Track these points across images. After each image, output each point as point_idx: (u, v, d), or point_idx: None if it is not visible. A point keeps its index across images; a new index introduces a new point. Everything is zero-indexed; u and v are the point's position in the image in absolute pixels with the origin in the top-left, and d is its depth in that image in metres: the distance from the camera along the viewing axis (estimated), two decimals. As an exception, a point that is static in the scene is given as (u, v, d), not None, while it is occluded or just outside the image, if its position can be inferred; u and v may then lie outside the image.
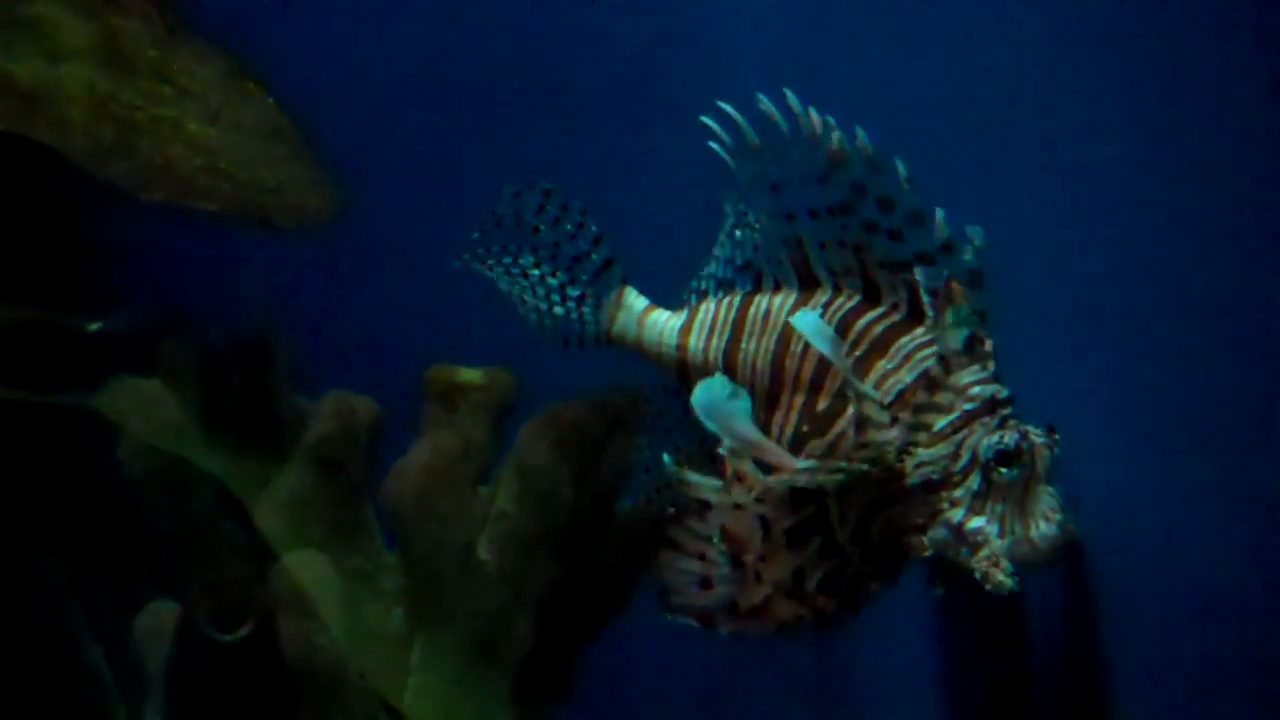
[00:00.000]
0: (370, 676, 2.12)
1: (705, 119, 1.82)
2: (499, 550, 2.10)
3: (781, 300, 1.89)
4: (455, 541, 2.08)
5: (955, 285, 1.68)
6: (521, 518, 2.09)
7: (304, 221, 2.28)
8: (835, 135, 1.76)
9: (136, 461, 2.09)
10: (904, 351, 1.73)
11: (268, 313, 2.28)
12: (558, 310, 2.05)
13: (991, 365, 1.74)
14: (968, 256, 1.69)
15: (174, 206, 2.11)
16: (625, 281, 2.02)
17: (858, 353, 1.78)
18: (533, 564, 2.11)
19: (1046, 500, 1.63)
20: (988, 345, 1.72)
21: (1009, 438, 1.64)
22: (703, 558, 1.76)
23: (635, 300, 2.03)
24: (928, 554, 1.73)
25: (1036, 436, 1.66)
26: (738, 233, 1.97)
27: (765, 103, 1.79)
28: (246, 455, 2.20)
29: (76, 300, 2.18)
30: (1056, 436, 1.68)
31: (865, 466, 1.69)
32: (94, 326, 2.07)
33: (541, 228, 2.02)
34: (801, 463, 1.71)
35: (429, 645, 2.14)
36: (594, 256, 2.02)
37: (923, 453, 1.67)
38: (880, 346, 1.77)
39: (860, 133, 1.74)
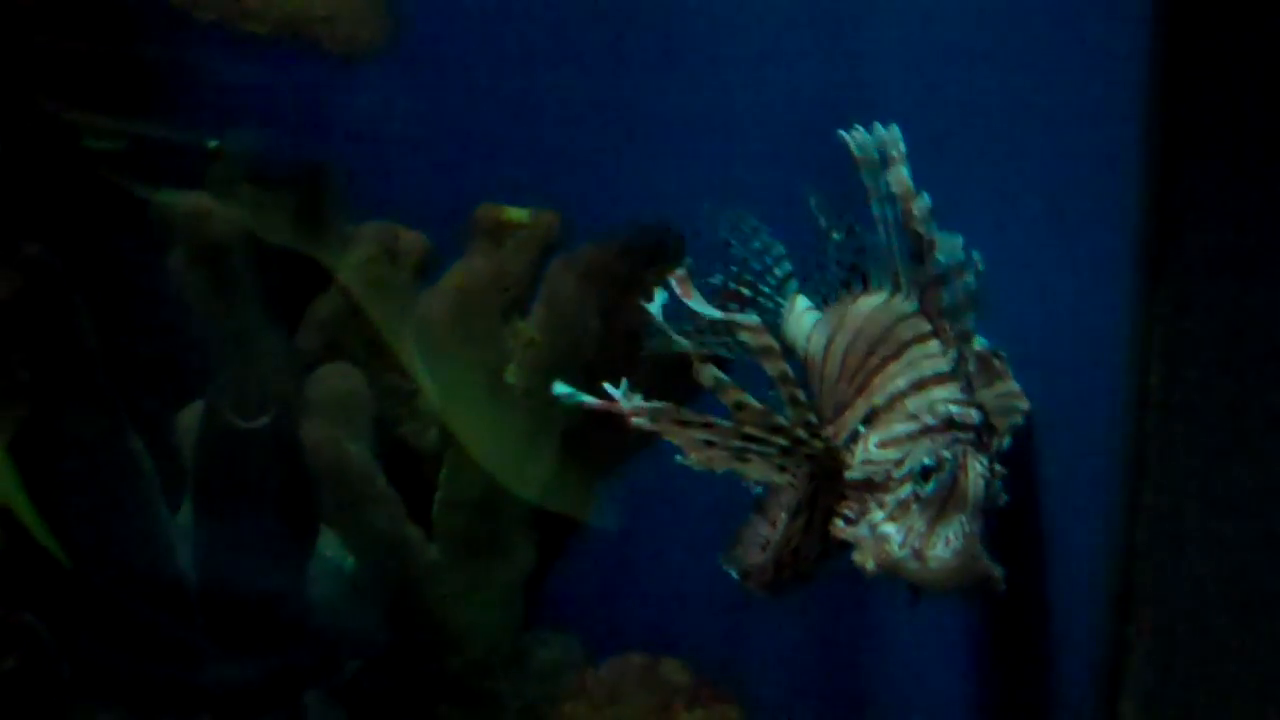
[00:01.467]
0: (399, 489, 2.19)
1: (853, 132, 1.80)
2: (526, 376, 2.15)
3: (864, 300, 1.94)
4: (484, 364, 2.14)
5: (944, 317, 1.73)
6: (548, 345, 2.15)
7: (355, 51, 2.33)
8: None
9: (184, 271, 2.15)
10: (911, 359, 1.76)
11: (321, 143, 2.33)
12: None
13: (991, 384, 1.78)
14: (968, 278, 1.72)
15: (226, 28, 2.17)
16: (799, 291, 2.07)
17: (884, 352, 1.81)
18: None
19: (956, 527, 1.59)
20: (971, 365, 1.71)
21: (940, 455, 1.62)
22: (773, 524, 1.81)
23: (800, 305, 2.05)
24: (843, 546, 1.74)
25: (976, 465, 1.61)
26: (835, 235, 2.00)
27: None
28: (292, 274, 2.27)
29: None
30: (1000, 471, 1.66)
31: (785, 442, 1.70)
32: (213, 144, 2.11)
33: (733, 243, 2.09)
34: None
35: (458, 462, 2.20)
36: (777, 271, 2.07)
37: (874, 451, 1.69)
38: (899, 351, 1.81)
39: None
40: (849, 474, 1.69)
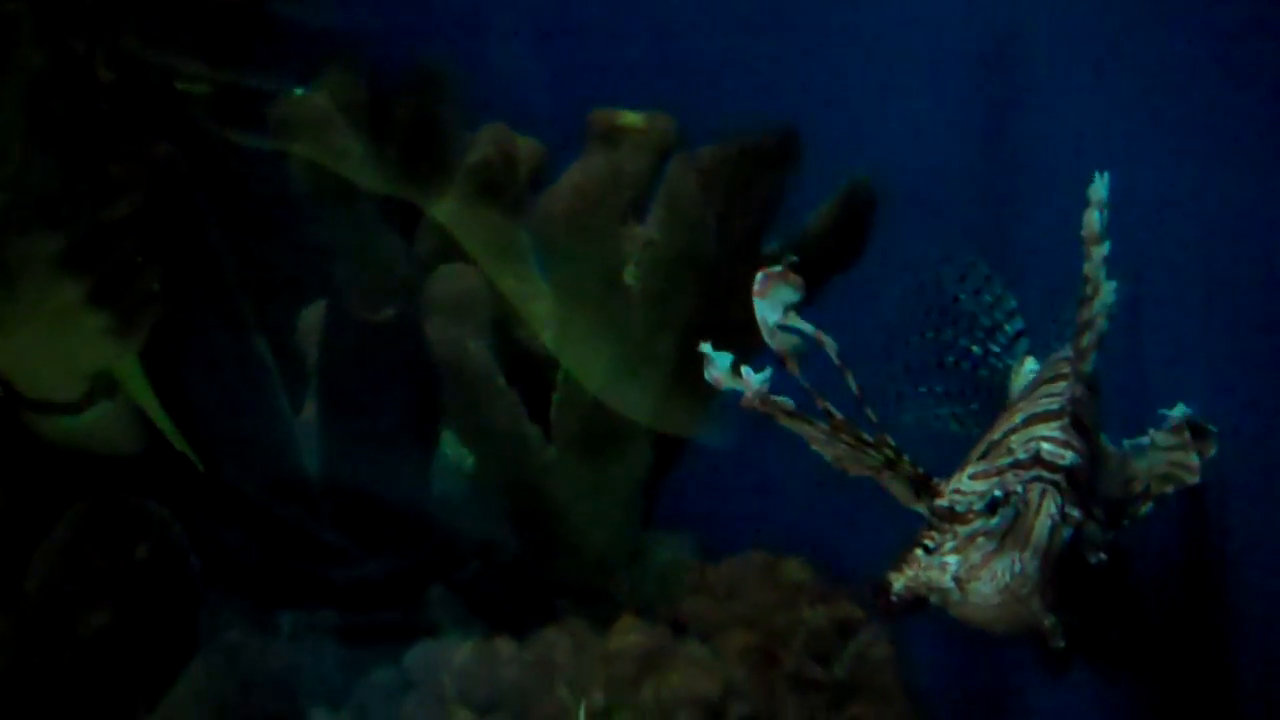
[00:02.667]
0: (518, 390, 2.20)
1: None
2: (645, 275, 2.15)
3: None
4: (602, 263, 2.14)
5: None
6: (667, 244, 2.14)
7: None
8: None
9: (302, 176, 2.17)
10: (1037, 396, 1.75)
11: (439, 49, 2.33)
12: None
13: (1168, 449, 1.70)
14: (1102, 322, 1.60)
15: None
16: (1029, 351, 2.02)
17: (1026, 393, 1.81)
18: (676, 290, 2.15)
19: (1006, 563, 1.50)
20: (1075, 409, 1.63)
21: (1009, 488, 1.56)
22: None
23: (1029, 367, 1.99)
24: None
25: (1050, 505, 1.53)
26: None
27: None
28: (410, 179, 2.27)
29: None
30: (1075, 515, 1.54)
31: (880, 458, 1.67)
32: (299, 91, 2.11)
33: (962, 297, 2.05)
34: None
35: (574, 363, 2.21)
36: (1008, 328, 2.04)
37: (965, 483, 1.65)
38: (1033, 390, 1.80)
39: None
40: (938, 502, 1.65)
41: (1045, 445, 1.61)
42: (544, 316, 2.25)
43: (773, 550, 2.26)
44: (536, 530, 2.27)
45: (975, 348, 2.01)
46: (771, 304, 1.58)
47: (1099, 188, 1.57)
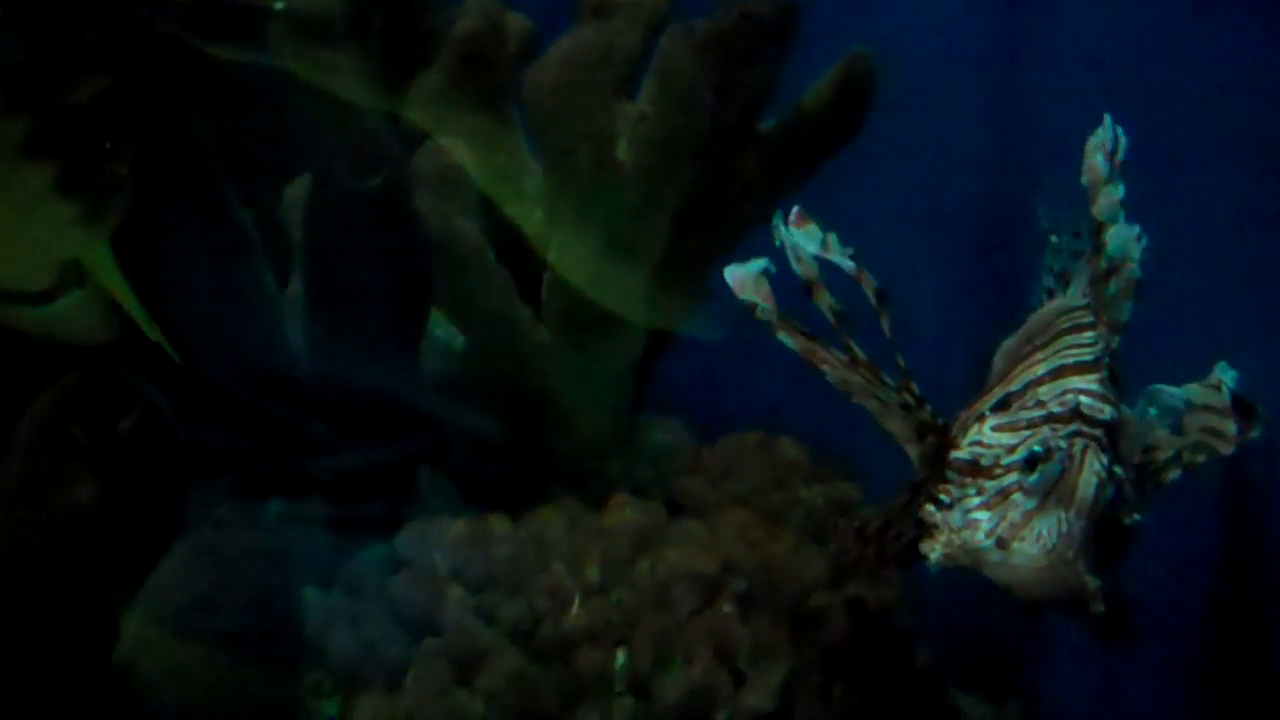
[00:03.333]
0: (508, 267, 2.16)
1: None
2: (637, 150, 2.09)
3: (1051, 304, 1.85)
4: (593, 137, 2.08)
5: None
6: (660, 118, 2.08)
7: None
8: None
9: (284, 48, 2.10)
10: (1059, 347, 1.65)
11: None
12: None
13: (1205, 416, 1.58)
14: (1133, 268, 1.53)
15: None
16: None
17: (1038, 342, 1.72)
18: (669, 166, 2.10)
19: (1052, 522, 1.42)
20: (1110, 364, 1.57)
21: (1051, 444, 1.48)
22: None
23: None
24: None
25: (1095, 463, 1.46)
26: (1053, 239, 1.91)
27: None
28: (394, 58, 2.21)
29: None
30: (1119, 473, 1.49)
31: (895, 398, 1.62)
32: (280, 5, 2.04)
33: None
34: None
35: (565, 244, 2.16)
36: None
37: (988, 435, 1.56)
38: (1051, 341, 1.69)
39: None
40: (955, 454, 1.57)
41: (1085, 399, 1.53)
42: (533, 194, 2.19)
43: (768, 430, 2.22)
44: (527, 412, 2.23)
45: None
46: (807, 235, 1.54)
47: (1104, 132, 1.50)
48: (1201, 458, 1.56)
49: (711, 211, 2.20)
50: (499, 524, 1.98)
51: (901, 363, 1.57)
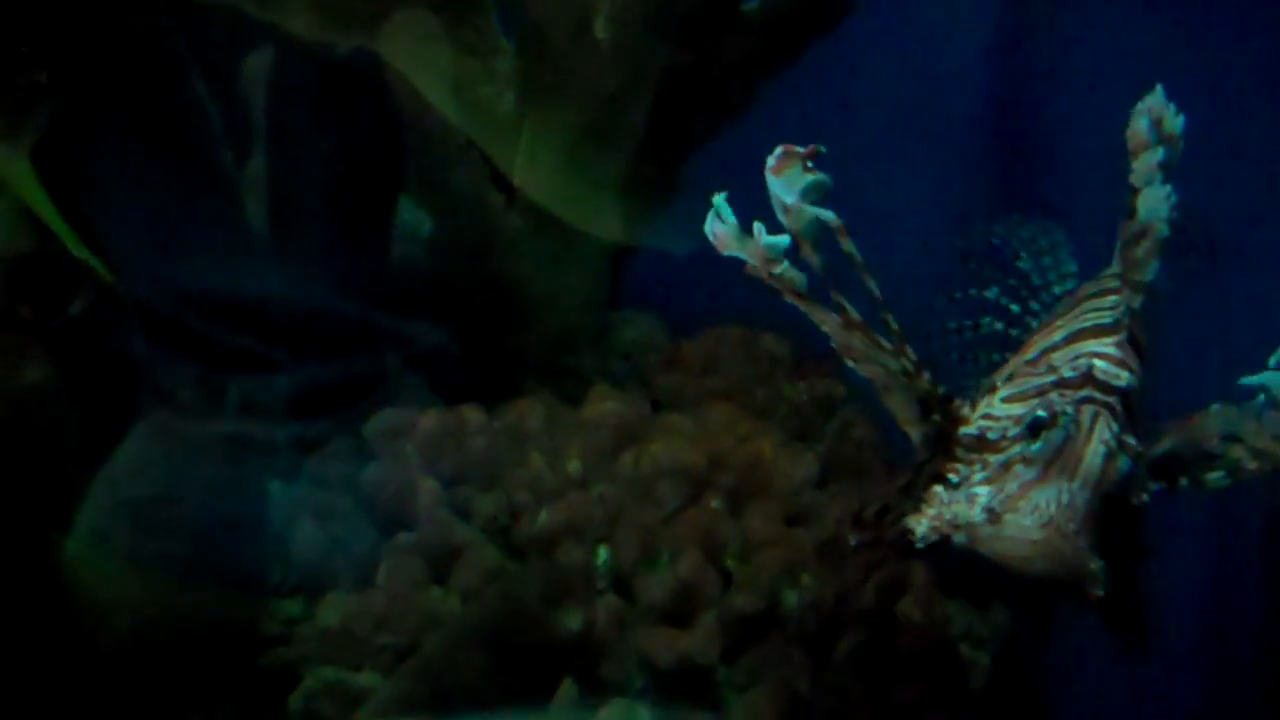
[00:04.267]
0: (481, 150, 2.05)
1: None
2: (616, 29, 1.99)
3: None
4: (570, 13, 1.98)
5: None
6: (640, -6, 1.97)
7: None
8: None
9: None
10: (1080, 312, 1.53)
11: None
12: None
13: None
14: (1160, 228, 1.39)
15: None
16: None
17: (1060, 310, 1.61)
18: (649, 45, 2.00)
19: (1052, 494, 1.29)
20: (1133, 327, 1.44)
21: (1055, 409, 1.35)
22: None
23: None
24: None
25: (1104, 431, 1.33)
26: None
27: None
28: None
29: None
30: (1133, 444, 1.35)
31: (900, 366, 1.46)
32: None
33: (1024, 256, 1.83)
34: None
35: (539, 125, 2.06)
36: (1056, 289, 1.79)
37: (998, 406, 1.43)
38: (1073, 307, 1.57)
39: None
40: (964, 429, 1.43)
41: (1099, 363, 1.40)
42: (505, 75, 2.08)
43: (748, 324, 2.14)
44: (497, 302, 2.13)
45: (1014, 305, 1.80)
46: (787, 182, 1.36)
47: (1154, 99, 1.36)
48: (1255, 467, 1.44)
49: (693, 96, 2.10)
50: (473, 415, 1.89)
51: (894, 325, 1.42)
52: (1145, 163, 1.33)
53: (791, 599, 1.79)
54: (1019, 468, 1.34)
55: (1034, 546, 1.29)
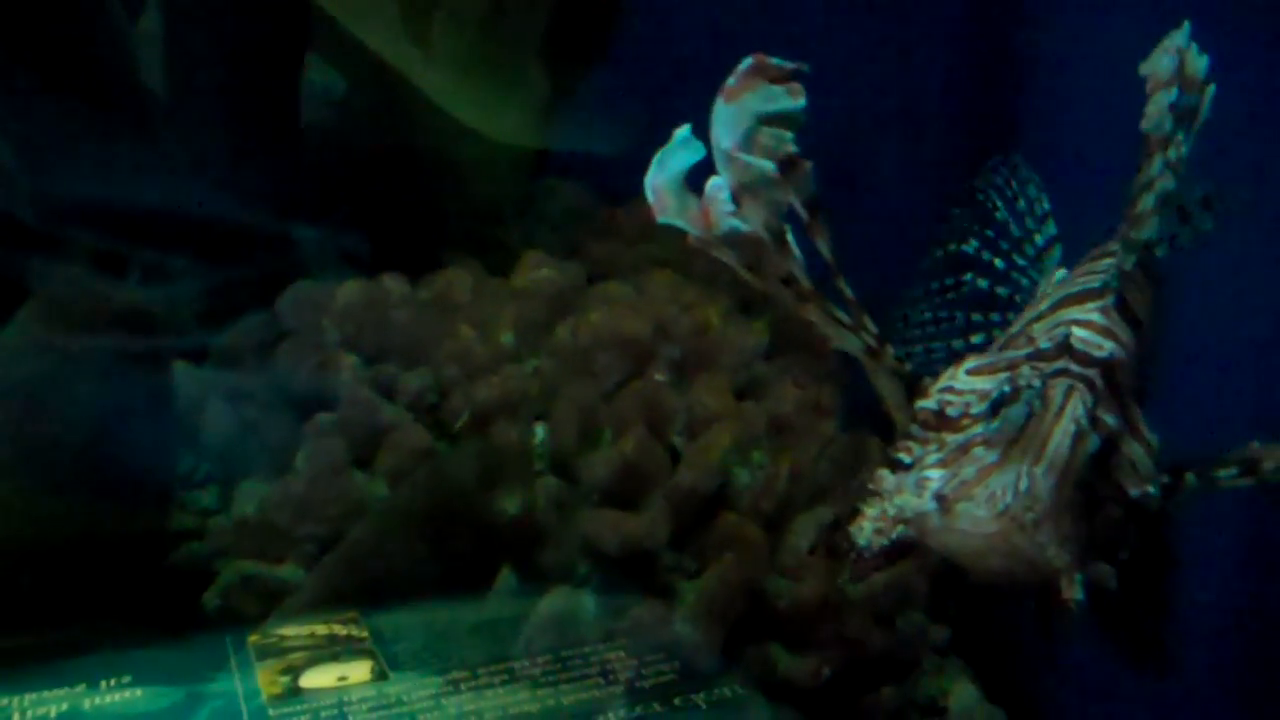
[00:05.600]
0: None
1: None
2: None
3: None
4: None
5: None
6: None
7: None
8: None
9: None
10: (1073, 277, 1.40)
11: None
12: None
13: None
14: (1166, 182, 1.23)
15: None
16: (1062, 262, 1.60)
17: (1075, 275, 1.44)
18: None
19: (1010, 478, 1.11)
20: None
21: (1021, 383, 1.17)
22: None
23: (1059, 279, 1.58)
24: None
25: (1076, 407, 1.15)
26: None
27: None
28: None
29: None
30: (1109, 424, 1.18)
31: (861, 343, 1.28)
32: None
33: (998, 205, 1.63)
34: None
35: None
36: (1038, 238, 1.62)
37: (961, 379, 1.25)
38: (1070, 277, 1.44)
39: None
40: (920, 403, 1.24)
41: (1078, 331, 1.24)
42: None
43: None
44: (416, 168, 2.02)
45: (998, 261, 1.63)
46: (737, 114, 1.16)
47: (1180, 36, 1.21)
48: (1273, 464, 1.24)
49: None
50: (395, 286, 1.78)
51: (848, 293, 1.26)
52: (1158, 104, 1.19)
53: (743, 477, 1.69)
54: (978, 450, 1.15)
55: (986, 540, 1.10)
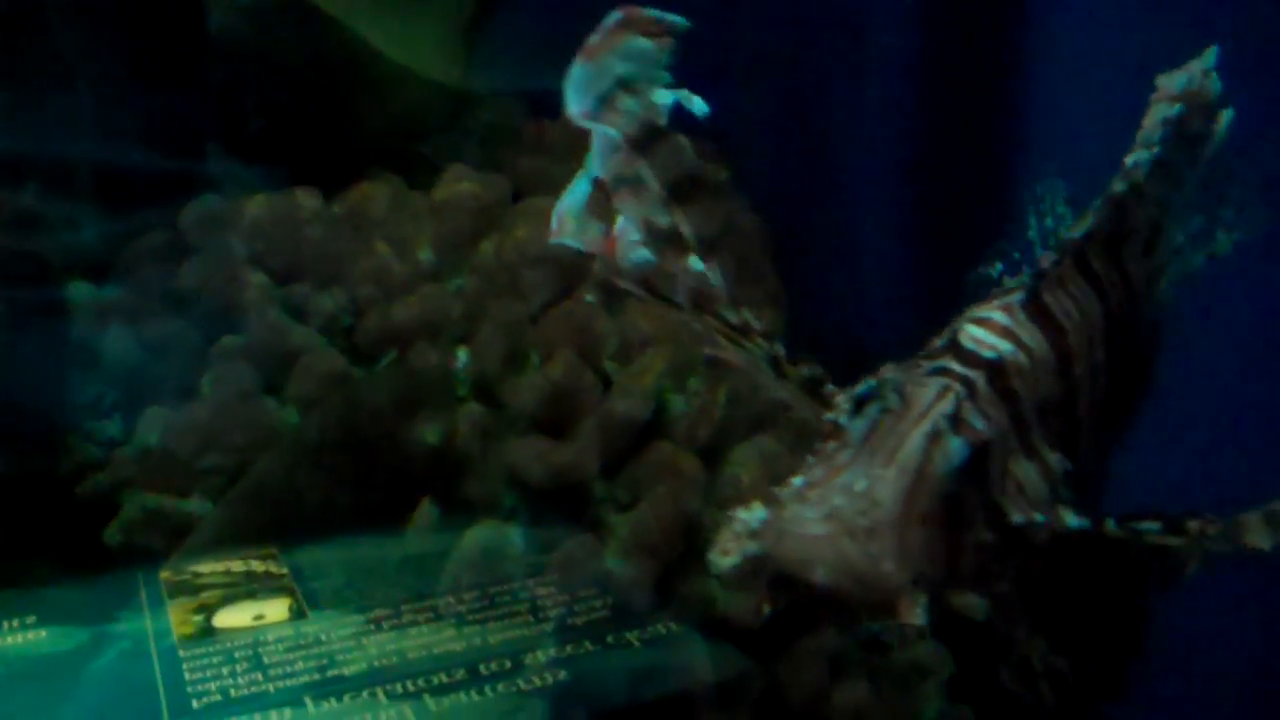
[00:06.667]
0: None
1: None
2: None
3: None
4: None
5: None
6: None
7: None
8: None
9: None
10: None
11: None
12: None
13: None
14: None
15: None
16: None
17: None
18: None
19: (847, 481, 1.00)
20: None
21: (885, 379, 1.06)
22: None
23: None
24: None
25: (945, 407, 1.04)
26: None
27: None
28: None
29: None
30: (981, 430, 1.04)
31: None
32: None
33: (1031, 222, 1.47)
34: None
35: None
36: None
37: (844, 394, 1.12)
38: None
39: None
40: (826, 415, 1.10)
41: (972, 329, 1.12)
42: None
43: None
44: (333, 79, 1.92)
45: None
46: (594, 75, 1.05)
47: (1209, 59, 1.14)
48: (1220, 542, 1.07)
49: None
50: (307, 201, 1.73)
51: (724, 294, 1.13)
52: (1154, 115, 1.12)
53: (678, 404, 1.63)
54: (836, 453, 1.03)
55: (812, 544, 0.97)
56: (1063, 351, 1.14)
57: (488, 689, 1.34)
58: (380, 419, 1.56)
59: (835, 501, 0.98)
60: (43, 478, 1.65)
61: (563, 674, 1.35)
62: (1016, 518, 1.04)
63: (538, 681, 1.35)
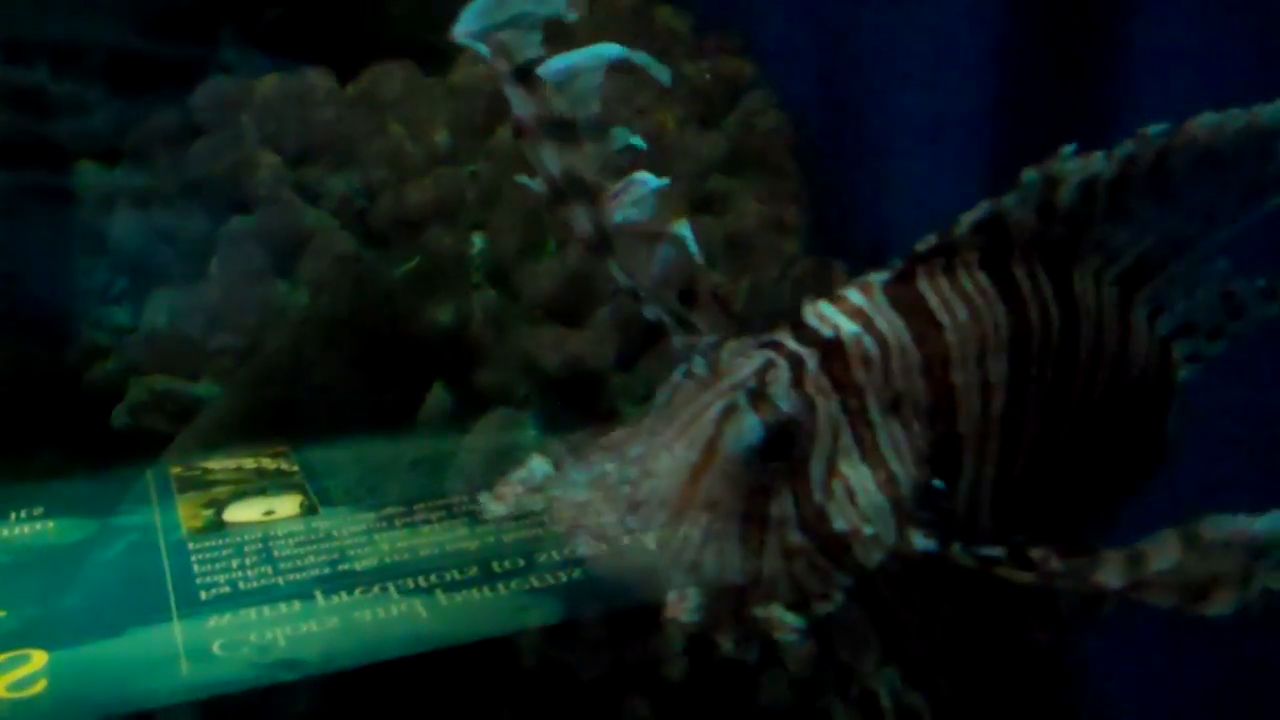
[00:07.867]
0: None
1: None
2: None
3: None
4: None
5: None
6: None
7: None
8: None
9: None
10: None
11: None
12: None
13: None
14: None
15: None
16: None
17: None
18: None
19: (619, 457, 0.94)
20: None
21: (698, 345, 0.99)
22: None
23: None
24: None
25: (751, 383, 0.95)
26: None
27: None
28: None
29: None
30: (784, 410, 0.94)
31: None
32: None
33: None
34: None
35: None
36: None
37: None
38: None
39: None
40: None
41: (821, 305, 1.01)
42: None
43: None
44: None
45: None
46: (493, 6, 0.99)
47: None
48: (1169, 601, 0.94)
49: None
50: (321, 81, 1.67)
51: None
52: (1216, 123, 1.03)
53: (697, 295, 1.55)
54: (644, 420, 0.98)
55: (576, 511, 0.92)
56: (934, 350, 1.01)
57: (500, 586, 1.30)
58: (391, 300, 1.52)
59: (606, 468, 0.91)
60: (50, 366, 1.63)
61: (576, 572, 1.33)
62: (839, 525, 0.93)
63: (550, 580, 1.32)
